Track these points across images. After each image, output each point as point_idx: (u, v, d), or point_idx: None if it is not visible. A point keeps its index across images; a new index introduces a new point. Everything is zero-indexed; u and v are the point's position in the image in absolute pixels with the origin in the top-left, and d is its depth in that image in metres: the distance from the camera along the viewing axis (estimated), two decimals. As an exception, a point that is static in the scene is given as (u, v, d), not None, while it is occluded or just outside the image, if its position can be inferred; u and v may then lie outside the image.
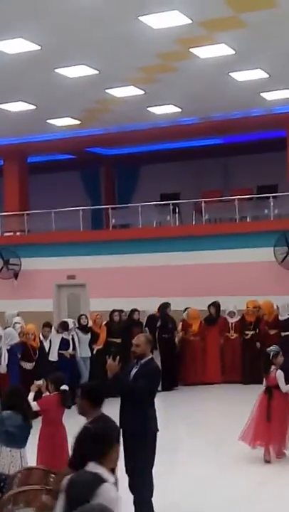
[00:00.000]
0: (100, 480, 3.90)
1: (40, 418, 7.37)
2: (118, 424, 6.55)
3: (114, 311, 14.33)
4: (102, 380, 13.09)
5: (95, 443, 4.12)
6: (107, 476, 3.95)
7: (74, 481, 4.02)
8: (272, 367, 8.79)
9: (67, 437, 7.36)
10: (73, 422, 7.67)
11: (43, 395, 7.43)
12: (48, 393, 7.36)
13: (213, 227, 17.34)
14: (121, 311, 14.62)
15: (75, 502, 3.76)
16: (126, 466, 6.58)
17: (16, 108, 15.24)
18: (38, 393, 7.38)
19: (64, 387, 7.29)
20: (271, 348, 9.13)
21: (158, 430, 6.60)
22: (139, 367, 6.55)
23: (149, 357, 6.65)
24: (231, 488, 7.72)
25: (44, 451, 7.16)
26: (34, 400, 7.14)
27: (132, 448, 6.45)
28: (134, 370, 6.57)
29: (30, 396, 7.10)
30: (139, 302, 15.55)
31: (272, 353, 8.84)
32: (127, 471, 6.57)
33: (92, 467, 4.01)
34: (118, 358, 6.64)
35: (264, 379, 8.96)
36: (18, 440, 6.07)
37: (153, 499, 6.42)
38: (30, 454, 6.70)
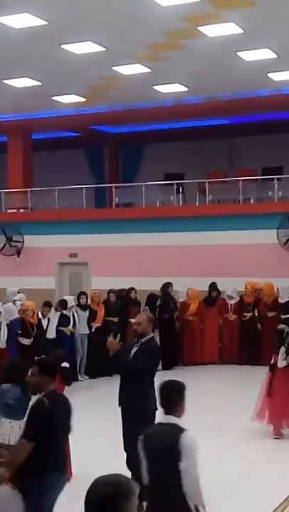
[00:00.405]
0: (179, 429, 4.25)
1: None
2: (118, 402, 6.60)
3: (110, 291, 14.32)
4: (99, 357, 13.27)
5: (171, 396, 4.44)
6: (182, 425, 4.30)
7: (152, 435, 4.40)
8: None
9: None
10: (75, 398, 7.71)
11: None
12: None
13: (217, 208, 17.30)
14: (123, 290, 14.65)
15: (159, 453, 4.17)
16: (124, 443, 6.62)
17: (20, 84, 15.13)
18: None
19: (65, 364, 7.31)
20: (283, 326, 9.27)
21: (157, 409, 6.62)
22: (139, 345, 6.56)
23: (150, 336, 6.65)
24: (229, 468, 7.77)
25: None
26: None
27: (130, 426, 6.48)
28: (134, 349, 6.58)
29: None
30: (141, 281, 15.57)
31: (286, 331, 8.98)
32: (125, 448, 6.62)
33: (167, 419, 4.36)
34: (118, 336, 6.65)
35: (272, 356, 9.08)
36: (17, 412, 6.13)
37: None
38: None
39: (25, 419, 6.21)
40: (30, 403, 6.40)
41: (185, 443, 4.12)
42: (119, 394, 6.64)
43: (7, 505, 4.51)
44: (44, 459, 4.80)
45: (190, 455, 4.12)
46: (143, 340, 6.58)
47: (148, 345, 6.54)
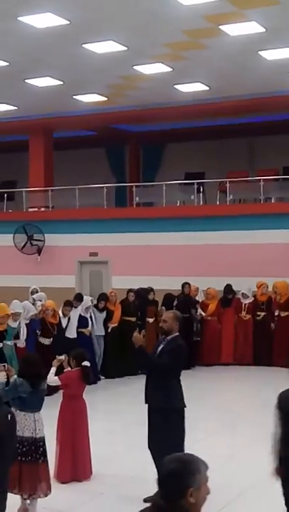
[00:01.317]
0: None
1: (61, 392, 7.48)
2: (144, 400, 6.61)
3: (130, 290, 14.33)
4: (116, 357, 13.30)
5: None
6: None
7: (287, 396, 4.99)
8: None
9: (87, 412, 7.47)
10: (93, 397, 7.74)
11: (65, 370, 7.50)
12: (69, 368, 7.43)
13: (238, 207, 17.24)
14: (142, 289, 14.64)
15: None
16: (149, 441, 6.63)
17: (43, 83, 15.21)
18: (59, 368, 7.45)
19: (86, 363, 7.36)
20: None
21: (185, 406, 6.62)
22: (165, 343, 6.58)
23: (176, 333, 6.66)
24: (247, 467, 7.75)
25: (64, 424, 7.27)
26: (56, 374, 7.22)
27: (156, 424, 6.49)
28: (160, 346, 6.61)
29: (52, 371, 7.18)
30: (161, 280, 15.57)
31: None
32: (149, 446, 6.62)
33: None
34: (143, 331, 6.68)
35: None
36: (31, 405, 6.31)
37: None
38: (51, 428, 6.84)
39: (39, 412, 6.37)
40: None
41: None
42: (145, 391, 6.65)
43: None
44: None
45: None
46: (169, 337, 6.60)
47: (174, 343, 6.57)
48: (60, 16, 11.00)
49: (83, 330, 12.87)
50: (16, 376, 6.43)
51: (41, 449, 6.34)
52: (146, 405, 6.69)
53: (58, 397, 7.54)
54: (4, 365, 6.51)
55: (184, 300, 14.41)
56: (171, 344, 6.51)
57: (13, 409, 6.19)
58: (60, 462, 7.19)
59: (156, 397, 6.44)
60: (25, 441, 6.17)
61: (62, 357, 7.54)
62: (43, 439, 6.36)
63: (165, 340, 6.59)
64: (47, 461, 6.45)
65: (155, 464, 6.62)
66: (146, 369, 6.74)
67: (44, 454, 6.38)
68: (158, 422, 6.46)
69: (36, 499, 6.31)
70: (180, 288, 14.73)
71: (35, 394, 6.32)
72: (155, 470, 6.66)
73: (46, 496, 6.33)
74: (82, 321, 12.94)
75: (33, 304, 12.23)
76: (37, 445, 6.29)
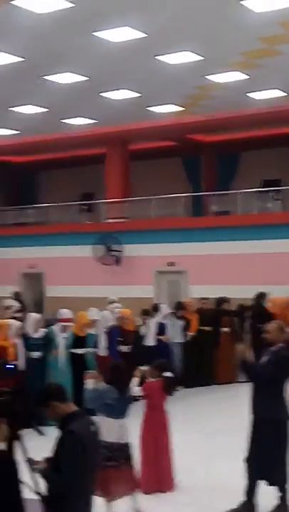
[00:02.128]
0: None
1: (142, 403, 7.53)
2: (252, 411, 6.58)
3: (202, 298, 14.26)
4: (193, 367, 13.25)
5: None
6: None
7: None
8: None
9: (169, 423, 7.49)
10: (171, 407, 7.72)
11: (147, 381, 7.54)
12: (151, 379, 7.47)
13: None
14: (218, 299, 14.51)
15: None
16: (250, 452, 6.55)
17: (119, 96, 15.43)
18: (142, 378, 7.50)
19: (167, 373, 7.38)
20: None
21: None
22: (269, 354, 6.54)
23: (281, 344, 6.61)
24: None
25: (147, 435, 7.32)
26: (139, 385, 7.28)
27: (263, 435, 6.44)
28: (265, 357, 6.58)
29: (135, 381, 7.24)
30: (239, 290, 15.44)
31: None
32: (248, 459, 6.54)
33: None
34: (248, 342, 6.68)
35: None
36: (117, 411, 6.46)
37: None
38: (133, 437, 6.92)
39: (124, 418, 6.50)
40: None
41: None
42: (252, 403, 6.61)
43: None
44: None
45: None
46: (273, 348, 6.56)
47: (278, 354, 6.51)
48: (137, 29, 11.15)
49: (162, 337, 12.96)
50: (102, 383, 6.56)
51: (126, 454, 6.50)
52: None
53: (138, 408, 7.59)
54: (93, 373, 6.66)
55: (259, 311, 14.15)
56: (276, 355, 6.47)
57: (99, 415, 6.31)
58: (143, 473, 7.22)
59: (262, 409, 6.40)
60: (110, 446, 6.32)
61: (145, 367, 7.59)
62: (128, 445, 6.53)
63: (269, 351, 6.55)
64: (132, 466, 6.60)
65: (249, 475, 6.52)
66: (250, 380, 6.71)
67: (130, 458, 6.55)
68: (267, 434, 6.41)
69: (135, 498, 6.51)
70: (258, 298, 14.54)
71: (121, 400, 6.47)
72: (240, 481, 6.60)
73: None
74: (162, 328, 13.03)
75: (112, 312, 12.45)
76: (122, 450, 6.45)
